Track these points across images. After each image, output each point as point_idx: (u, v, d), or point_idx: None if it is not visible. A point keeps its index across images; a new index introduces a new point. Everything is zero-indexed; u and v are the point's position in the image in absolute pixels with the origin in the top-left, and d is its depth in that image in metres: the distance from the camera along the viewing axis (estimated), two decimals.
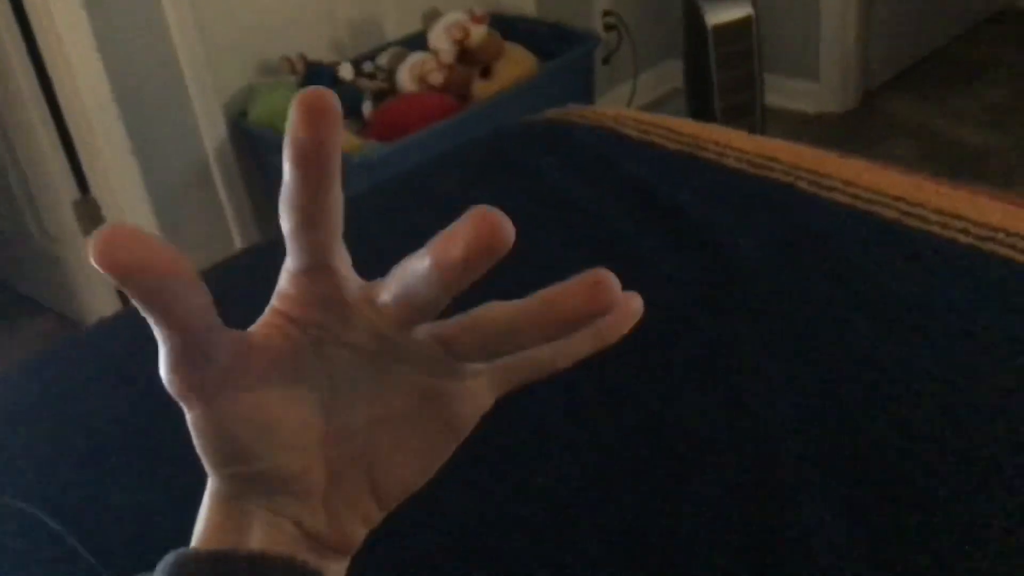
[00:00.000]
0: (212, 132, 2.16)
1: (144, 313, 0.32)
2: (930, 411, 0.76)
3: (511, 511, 0.73)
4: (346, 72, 2.18)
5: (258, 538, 0.37)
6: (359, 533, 0.39)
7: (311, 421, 0.37)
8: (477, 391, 0.38)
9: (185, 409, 0.35)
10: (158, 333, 0.33)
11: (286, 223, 0.34)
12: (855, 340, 0.85)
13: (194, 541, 0.38)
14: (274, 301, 0.36)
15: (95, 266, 0.30)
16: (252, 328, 0.37)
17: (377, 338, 0.36)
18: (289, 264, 0.35)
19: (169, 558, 0.37)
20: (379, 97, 2.19)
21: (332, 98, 0.31)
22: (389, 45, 2.33)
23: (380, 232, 1.00)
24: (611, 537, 0.70)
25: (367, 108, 2.15)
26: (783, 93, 2.73)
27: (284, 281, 0.36)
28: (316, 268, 0.35)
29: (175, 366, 0.34)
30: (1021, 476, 0.69)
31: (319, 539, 0.38)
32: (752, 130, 1.81)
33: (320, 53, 2.26)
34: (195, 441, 0.36)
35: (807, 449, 0.73)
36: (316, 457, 0.37)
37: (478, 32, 2.20)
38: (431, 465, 0.39)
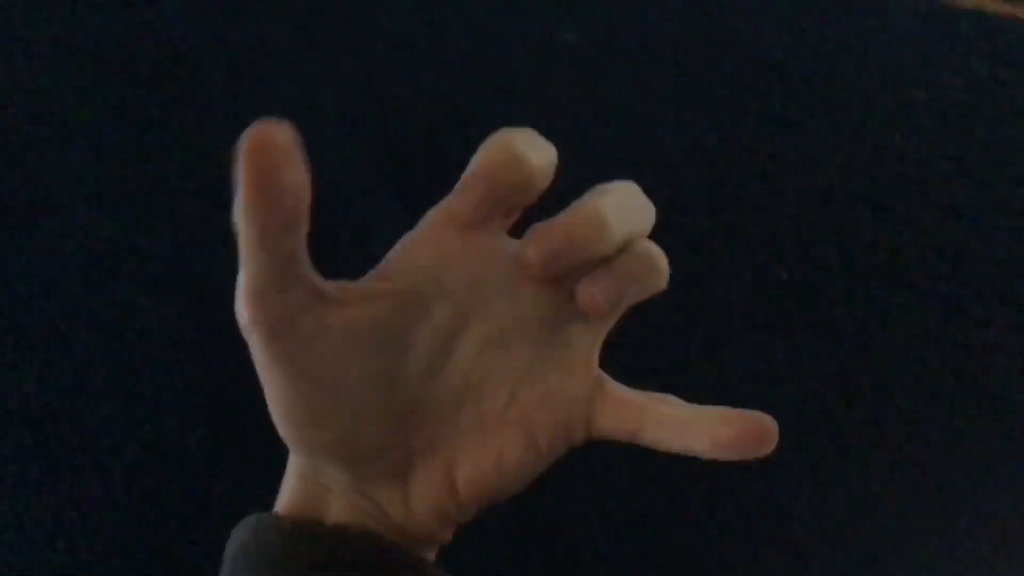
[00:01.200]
0: None
1: (244, 197, 0.29)
2: None
3: None
4: None
5: (336, 514, 0.36)
6: (441, 529, 0.37)
7: (389, 398, 0.35)
8: (570, 411, 0.36)
9: (253, 347, 0.33)
10: (247, 232, 0.30)
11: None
12: None
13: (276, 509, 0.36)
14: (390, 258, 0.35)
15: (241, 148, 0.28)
16: (356, 283, 0.35)
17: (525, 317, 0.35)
18: (456, 209, 0.34)
19: (249, 521, 0.36)
20: None
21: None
22: None
23: None
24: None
25: None
26: None
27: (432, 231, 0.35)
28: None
29: (255, 285, 0.31)
30: None
31: (397, 525, 0.36)
32: None
33: None
34: (266, 394, 0.34)
35: None
36: (393, 440, 0.35)
37: None
38: (512, 476, 0.36)
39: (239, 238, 0.31)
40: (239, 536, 0.36)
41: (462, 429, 0.36)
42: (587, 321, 0.36)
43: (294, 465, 0.37)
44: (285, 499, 0.37)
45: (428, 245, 0.35)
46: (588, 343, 0.36)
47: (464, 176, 0.33)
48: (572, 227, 0.32)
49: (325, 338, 0.33)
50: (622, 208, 0.33)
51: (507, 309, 0.35)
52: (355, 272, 0.36)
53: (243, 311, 0.32)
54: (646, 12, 0.74)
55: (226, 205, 0.30)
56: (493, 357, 0.35)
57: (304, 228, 0.30)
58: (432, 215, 0.35)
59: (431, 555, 0.38)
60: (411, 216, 0.36)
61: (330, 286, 0.33)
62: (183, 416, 0.69)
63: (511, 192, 0.33)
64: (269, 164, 0.28)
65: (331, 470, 0.36)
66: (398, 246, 0.35)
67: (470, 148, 0.33)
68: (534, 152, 0.32)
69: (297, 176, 0.29)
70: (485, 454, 0.36)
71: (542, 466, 0.36)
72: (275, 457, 0.38)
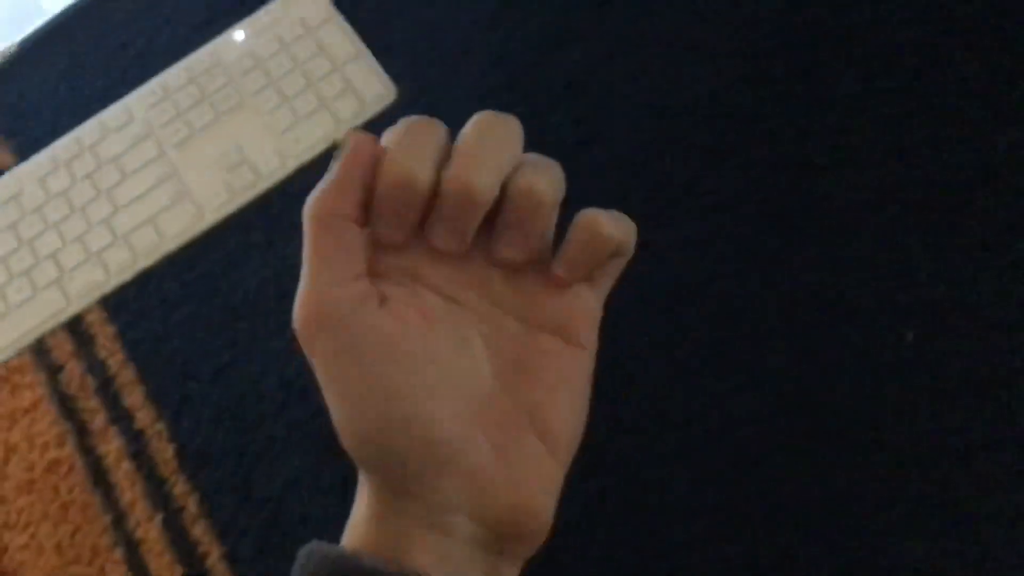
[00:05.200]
0: None
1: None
2: None
3: None
4: None
5: (422, 556, 0.34)
6: (545, 504, 0.35)
7: (461, 374, 0.35)
8: (577, 294, 0.37)
9: (316, 348, 0.34)
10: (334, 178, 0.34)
11: None
12: None
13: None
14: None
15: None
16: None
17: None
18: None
19: (325, 556, 0.34)
20: None
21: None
22: None
23: None
24: None
25: None
26: None
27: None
28: None
29: (321, 277, 0.34)
30: None
31: (499, 528, 0.35)
32: None
33: None
34: (330, 403, 0.34)
35: None
36: (473, 424, 0.34)
37: None
38: (580, 391, 0.37)
39: (305, 238, 0.34)
40: (310, 570, 0.34)
41: (532, 384, 0.36)
42: None
43: (367, 497, 0.36)
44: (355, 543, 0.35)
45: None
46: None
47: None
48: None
49: (385, 321, 0.34)
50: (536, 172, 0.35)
51: (472, 284, 0.37)
52: None
53: (299, 310, 0.34)
54: None
55: None
56: (495, 323, 0.37)
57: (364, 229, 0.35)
58: None
59: (524, 558, 0.37)
60: None
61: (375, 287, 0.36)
62: None
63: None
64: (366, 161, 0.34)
65: (407, 487, 0.34)
66: None
67: None
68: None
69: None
70: (559, 390, 0.36)
71: (592, 361, 0.38)
72: None
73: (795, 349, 0.57)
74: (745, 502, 0.55)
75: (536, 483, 0.35)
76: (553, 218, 0.36)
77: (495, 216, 0.35)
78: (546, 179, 0.34)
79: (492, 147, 0.34)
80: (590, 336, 0.38)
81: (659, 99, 0.66)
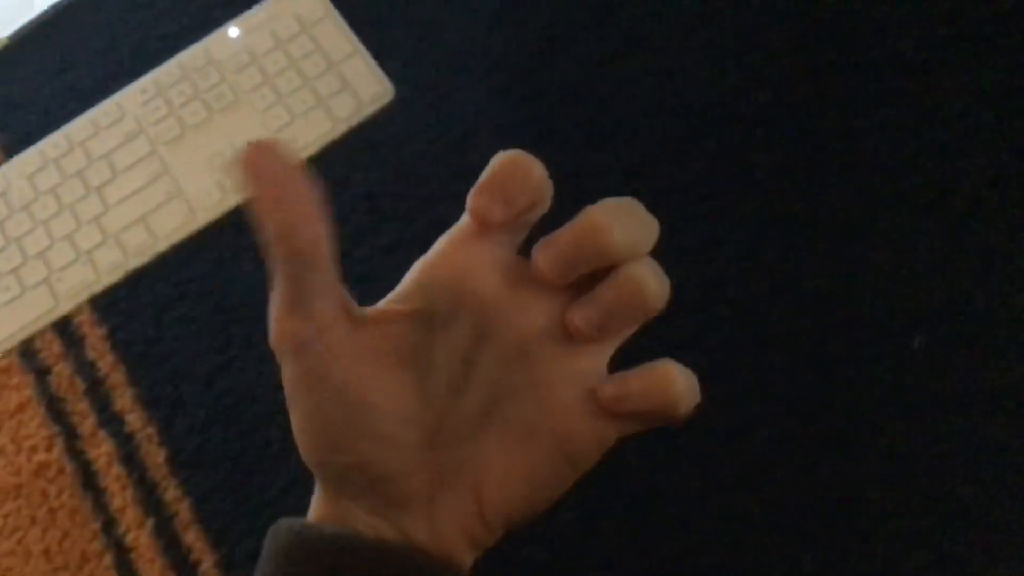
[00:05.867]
0: None
1: (263, 223, 0.31)
2: None
3: None
4: None
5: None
6: (465, 555, 0.36)
7: (414, 418, 0.35)
8: (600, 420, 0.35)
9: (283, 366, 0.34)
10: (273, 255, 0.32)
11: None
12: None
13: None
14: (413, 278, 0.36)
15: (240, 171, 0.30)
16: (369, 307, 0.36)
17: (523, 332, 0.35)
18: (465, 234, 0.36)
19: (290, 527, 0.35)
20: None
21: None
22: None
23: None
24: None
25: None
26: None
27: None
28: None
29: (283, 303, 0.32)
30: None
31: (420, 550, 0.36)
32: None
33: None
34: (292, 418, 0.35)
35: None
36: (420, 458, 0.35)
37: None
38: (544, 492, 0.36)
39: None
40: (278, 542, 0.36)
41: (490, 446, 0.36)
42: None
43: (319, 491, 0.37)
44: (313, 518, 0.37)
45: (443, 265, 0.36)
46: (598, 352, 0.36)
47: (476, 184, 0.35)
48: (575, 231, 0.34)
49: (349, 357, 0.34)
50: (622, 215, 0.34)
51: (524, 320, 0.36)
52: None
53: (273, 325, 0.33)
54: None
55: None
56: (515, 368, 0.36)
57: (325, 241, 0.32)
58: (445, 238, 0.37)
59: None
60: None
61: (355, 306, 0.35)
62: None
63: (521, 190, 0.34)
64: (270, 178, 0.30)
65: (353, 494, 0.36)
66: (413, 270, 0.37)
67: None
68: (536, 162, 0.34)
69: (299, 190, 0.31)
70: (515, 470, 0.35)
71: (575, 476, 0.36)
72: None
73: (802, 354, 0.56)
74: (751, 508, 0.54)
75: (457, 538, 0.36)
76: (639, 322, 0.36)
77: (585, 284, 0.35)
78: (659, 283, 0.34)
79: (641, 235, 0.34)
80: (588, 461, 0.36)
81: (665, 101, 0.65)
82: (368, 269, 0.63)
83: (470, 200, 0.35)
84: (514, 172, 0.34)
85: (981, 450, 0.53)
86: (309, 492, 0.59)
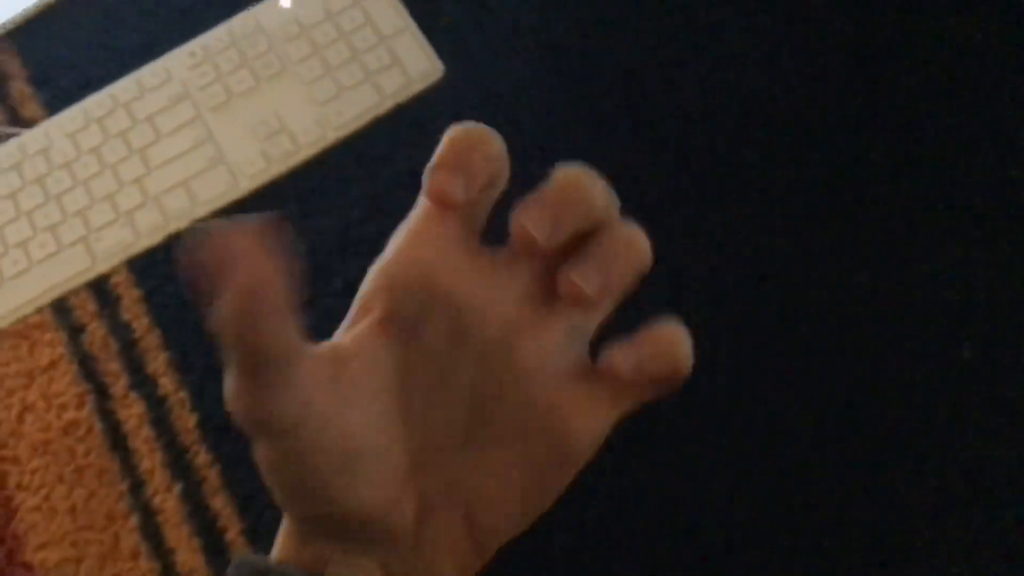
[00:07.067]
0: None
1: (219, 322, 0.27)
2: None
3: None
4: None
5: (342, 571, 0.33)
6: None
7: (398, 445, 0.32)
8: (596, 402, 0.32)
9: (255, 444, 0.30)
10: (227, 349, 0.28)
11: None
12: None
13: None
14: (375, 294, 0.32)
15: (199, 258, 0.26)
16: (342, 338, 0.32)
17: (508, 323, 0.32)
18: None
19: (254, 568, 0.33)
20: None
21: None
22: None
23: None
24: None
25: None
26: None
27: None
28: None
29: (242, 393, 0.28)
30: None
31: None
32: None
33: None
34: (262, 473, 0.31)
35: None
36: (404, 489, 0.33)
37: None
38: (538, 501, 0.33)
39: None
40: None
41: (478, 460, 0.33)
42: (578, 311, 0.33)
43: (287, 529, 0.34)
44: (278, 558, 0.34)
45: (405, 263, 0.32)
46: (581, 334, 0.34)
47: (433, 162, 0.31)
48: (560, 186, 0.31)
49: (332, 410, 0.30)
50: (591, 175, 0.32)
51: (500, 309, 0.33)
52: None
53: (232, 413, 0.30)
54: None
55: None
56: (495, 365, 0.33)
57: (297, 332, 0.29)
58: (401, 234, 0.33)
59: None
60: None
61: (326, 350, 0.31)
62: None
63: (481, 163, 0.31)
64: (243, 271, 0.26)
65: (330, 535, 0.33)
66: (369, 280, 0.33)
67: None
68: (494, 133, 0.32)
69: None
70: (508, 482, 0.33)
71: (570, 476, 0.33)
72: None
73: (847, 357, 0.56)
74: (787, 510, 0.53)
75: (445, 567, 0.33)
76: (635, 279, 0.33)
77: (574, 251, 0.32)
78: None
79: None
80: (584, 454, 0.33)
81: (715, 91, 0.65)
82: None
83: (428, 180, 0.31)
84: (473, 144, 0.31)
85: None
86: None
